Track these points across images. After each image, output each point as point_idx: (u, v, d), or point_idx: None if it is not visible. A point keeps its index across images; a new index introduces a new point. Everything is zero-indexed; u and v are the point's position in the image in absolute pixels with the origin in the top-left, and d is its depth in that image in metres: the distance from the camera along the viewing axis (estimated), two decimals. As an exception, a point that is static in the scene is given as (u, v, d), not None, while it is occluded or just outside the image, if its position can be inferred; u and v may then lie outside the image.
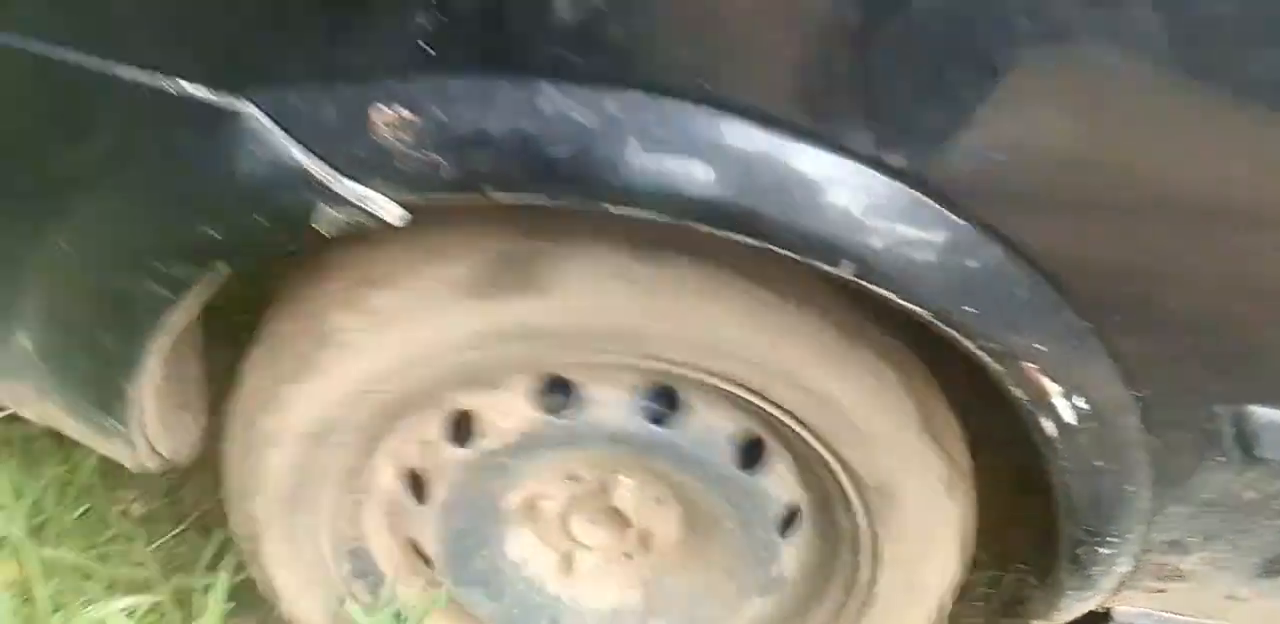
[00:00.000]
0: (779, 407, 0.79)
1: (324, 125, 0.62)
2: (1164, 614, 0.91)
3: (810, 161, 0.61)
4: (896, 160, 0.61)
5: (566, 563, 0.96)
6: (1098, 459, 0.75)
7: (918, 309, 0.66)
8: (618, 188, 0.62)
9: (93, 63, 0.64)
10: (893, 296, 0.65)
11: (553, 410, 0.84)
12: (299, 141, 0.63)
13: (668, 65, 0.60)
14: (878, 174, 0.61)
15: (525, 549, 0.96)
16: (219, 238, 0.67)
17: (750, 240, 0.63)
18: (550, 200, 0.64)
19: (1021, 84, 0.57)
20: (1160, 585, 0.88)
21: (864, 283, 0.65)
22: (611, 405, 0.83)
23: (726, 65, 0.59)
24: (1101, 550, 0.82)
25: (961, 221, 0.63)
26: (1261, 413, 0.72)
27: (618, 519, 0.93)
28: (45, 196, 0.72)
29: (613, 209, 0.63)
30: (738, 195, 0.61)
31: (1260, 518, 0.79)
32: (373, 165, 0.63)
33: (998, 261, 0.65)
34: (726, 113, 0.60)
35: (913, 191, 0.62)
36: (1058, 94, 0.58)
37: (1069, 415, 0.72)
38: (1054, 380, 0.70)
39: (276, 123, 0.63)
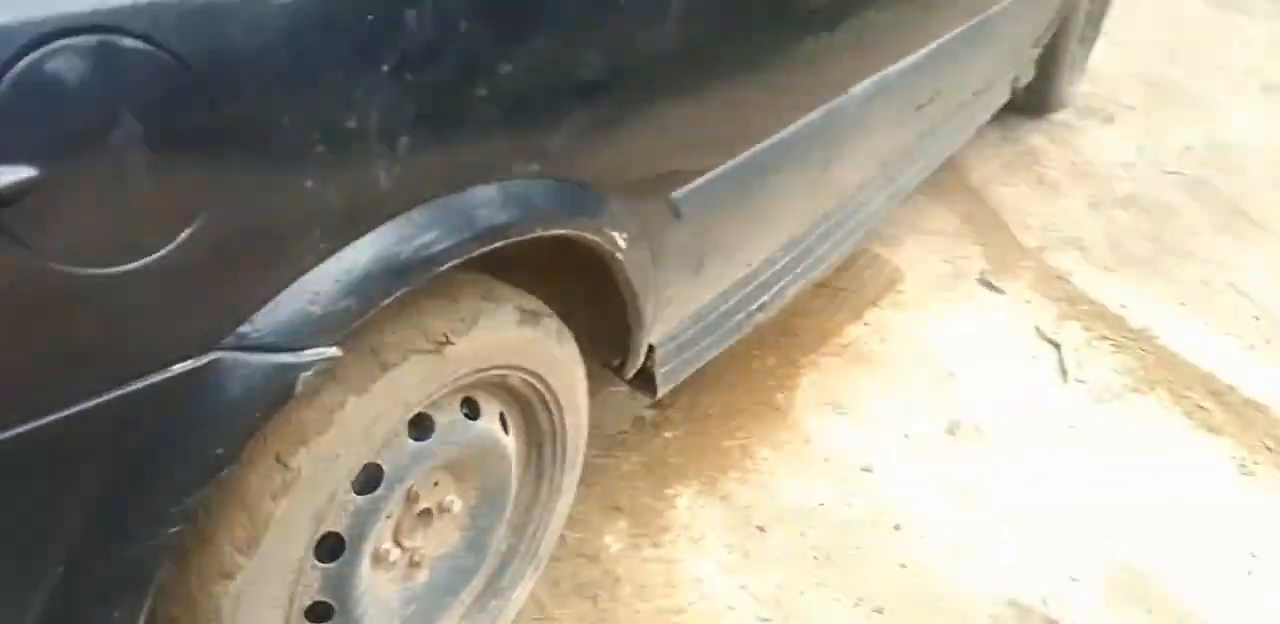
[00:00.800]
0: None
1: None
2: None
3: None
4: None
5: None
6: (641, 259, 1.38)
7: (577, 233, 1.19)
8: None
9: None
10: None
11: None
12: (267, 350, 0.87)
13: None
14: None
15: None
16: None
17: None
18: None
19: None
20: (661, 311, 1.60)
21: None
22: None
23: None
24: (650, 306, 1.49)
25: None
26: (677, 194, 1.42)
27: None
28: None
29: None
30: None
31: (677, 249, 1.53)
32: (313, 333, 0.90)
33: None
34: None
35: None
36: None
37: (623, 243, 1.33)
38: (618, 232, 1.30)
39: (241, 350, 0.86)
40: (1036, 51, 3.24)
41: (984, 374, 2.32)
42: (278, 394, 0.90)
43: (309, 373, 0.91)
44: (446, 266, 1.02)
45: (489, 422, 1.36)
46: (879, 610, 1.68)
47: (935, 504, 1.92)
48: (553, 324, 1.38)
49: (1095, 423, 2.20)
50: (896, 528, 1.86)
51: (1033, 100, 3.48)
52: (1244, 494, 2.05)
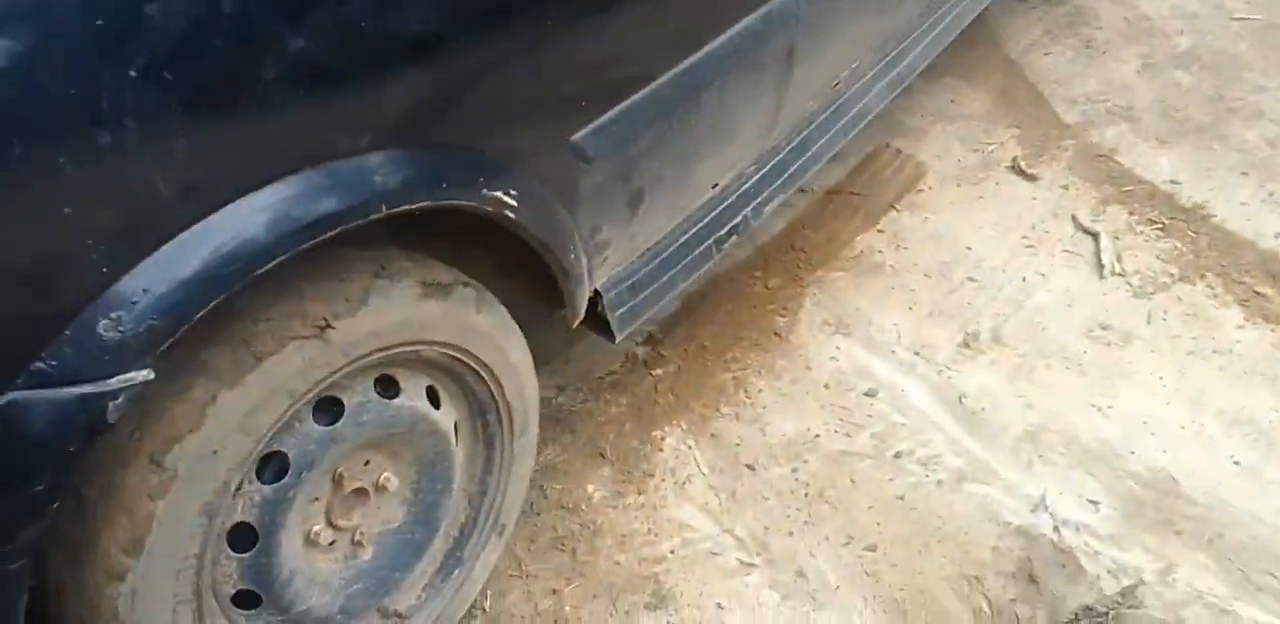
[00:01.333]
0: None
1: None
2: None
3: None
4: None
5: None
6: (545, 212, 1.33)
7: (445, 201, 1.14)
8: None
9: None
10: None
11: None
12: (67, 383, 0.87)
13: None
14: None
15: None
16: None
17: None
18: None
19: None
20: (598, 257, 1.55)
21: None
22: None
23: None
24: (576, 255, 1.44)
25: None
26: (579, 137, 1.34)
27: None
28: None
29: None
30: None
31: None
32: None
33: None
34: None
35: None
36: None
37: (512, 202, 1.27)
38: (503, 193, 1.24)
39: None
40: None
41: (1008, 276, 2.19)
42: (88, 425, 0.90)
43: (119, 400, 0.91)
44: (267, 268, 0.99)
45: (410, 399, 1.34)
46: (871, 548, 1.65)
47: (942, 428, 1.85)
48: (468, 293, 1.34)
49: (1132, 321, 2.07)
50: (897, 456, 1.80)
51: (1080, -51, 3.19)
52: (1301, 392, 1.91)
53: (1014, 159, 2.54)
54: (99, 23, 0.82)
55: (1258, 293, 2.10)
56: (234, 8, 0.90)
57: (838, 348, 2.04)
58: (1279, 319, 2.04)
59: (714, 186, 1.80)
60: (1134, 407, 1.88)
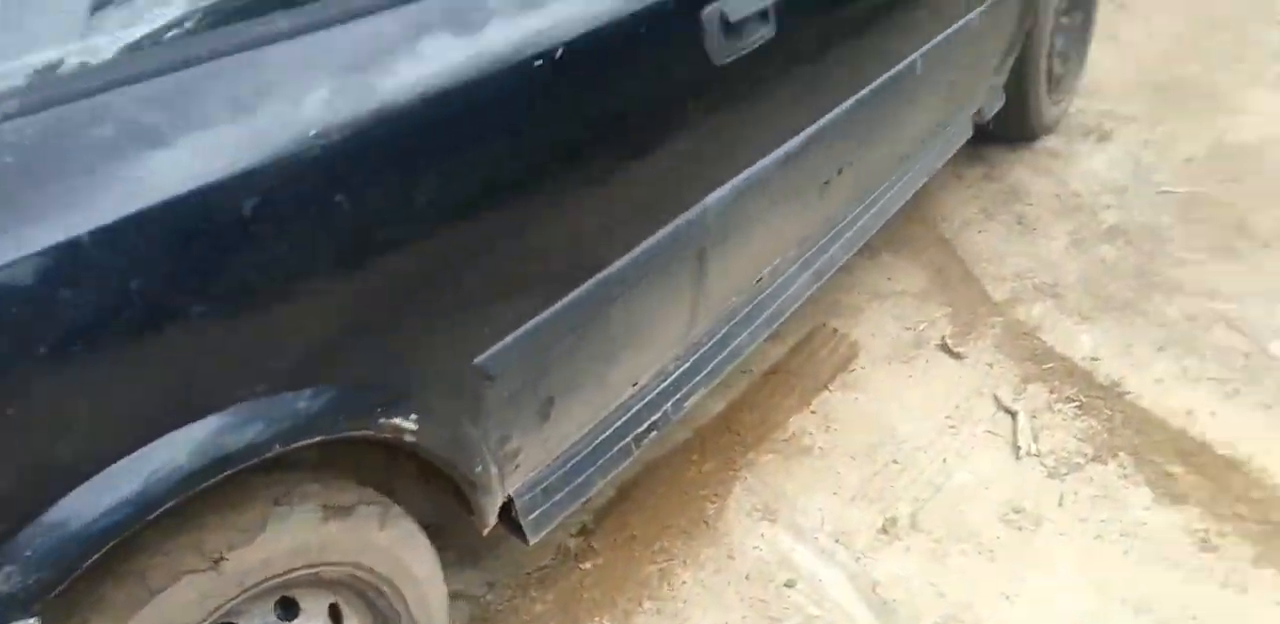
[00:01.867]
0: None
1: None
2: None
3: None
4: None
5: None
6: (447, 432, 1.47)
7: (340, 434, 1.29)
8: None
9: None
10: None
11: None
12: None
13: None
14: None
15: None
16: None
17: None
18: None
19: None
20: (509, 464, 1.68)
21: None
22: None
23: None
24: (483, 466, 1.57)
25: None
26: (481, 360, 1.50)
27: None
28: None
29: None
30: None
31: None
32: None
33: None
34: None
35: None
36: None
37: (411, 425, 1.41)
38: (402, 419, 1.39)
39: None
40: (1000, 78, 3.22)
41: (930, 458, 2.32)
42: (-25, 674, 1.02)
43: (4, 648, 1.03)
44: (155, 514, 1.12)
45: (310, 619, 1.44)
46: (773, 751, 1.72)
47: (854, 619, 1.94)
48: (372, 511, 1.46)
49: (1045, 503, 2.18)
50: (809, 652, 1.88)
51: (1011, 129, 3.45)
52: (1200, 577, 1.98)
53: (943, 337, 2.70)
54: (13, 311, 0.97)
55: (1167, 472, 2.21)
56: (139, 285, 1.06)
57: (762, 536, 2.14)
58: (1184, 499, 2.15)
59: (633, 385, 1.95)
60: (1040, 594, 1.96)
